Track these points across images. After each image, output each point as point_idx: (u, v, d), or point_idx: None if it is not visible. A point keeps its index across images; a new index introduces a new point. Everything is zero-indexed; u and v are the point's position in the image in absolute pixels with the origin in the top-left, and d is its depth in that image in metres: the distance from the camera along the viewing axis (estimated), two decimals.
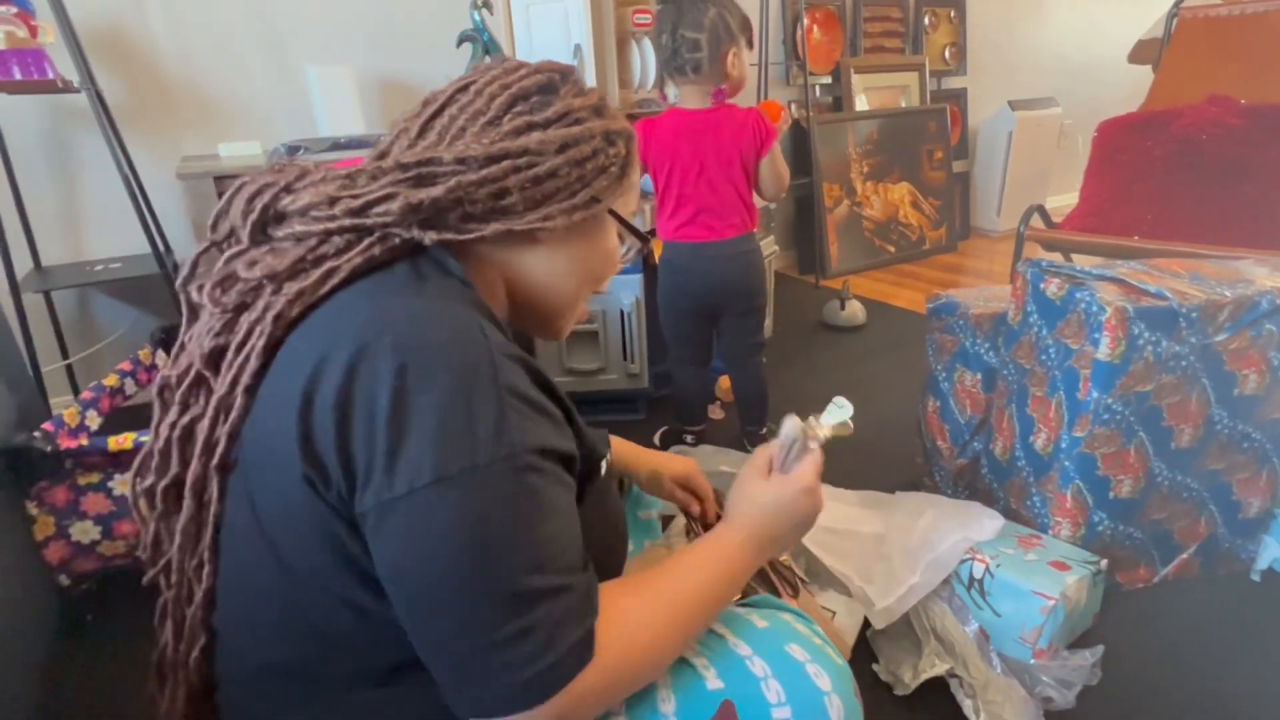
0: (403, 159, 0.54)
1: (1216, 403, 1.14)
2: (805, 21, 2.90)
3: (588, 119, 0.58)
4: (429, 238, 0.53)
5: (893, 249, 3.22)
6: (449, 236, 0.54)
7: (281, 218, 0.54)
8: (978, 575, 1.07)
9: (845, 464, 1.61)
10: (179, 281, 0.57)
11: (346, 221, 0.52)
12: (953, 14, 3.42)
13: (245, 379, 0.52)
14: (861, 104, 3.18)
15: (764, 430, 1.70)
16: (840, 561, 1.13)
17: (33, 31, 1.55)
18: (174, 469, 0.54)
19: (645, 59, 1.81)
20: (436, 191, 0.52)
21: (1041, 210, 2.16)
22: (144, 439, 1.10)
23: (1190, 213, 1.92)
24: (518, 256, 0.60)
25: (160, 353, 1.58)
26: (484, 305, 0.55)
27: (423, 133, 0.58)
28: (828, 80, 3.15)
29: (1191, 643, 1.11)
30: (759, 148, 1.43)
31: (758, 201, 1.51)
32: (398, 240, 0.53)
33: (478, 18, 2.00)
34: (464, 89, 0.58)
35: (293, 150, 1.46)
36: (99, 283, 1.79)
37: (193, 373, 0.54)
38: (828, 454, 0.66)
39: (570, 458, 0.52)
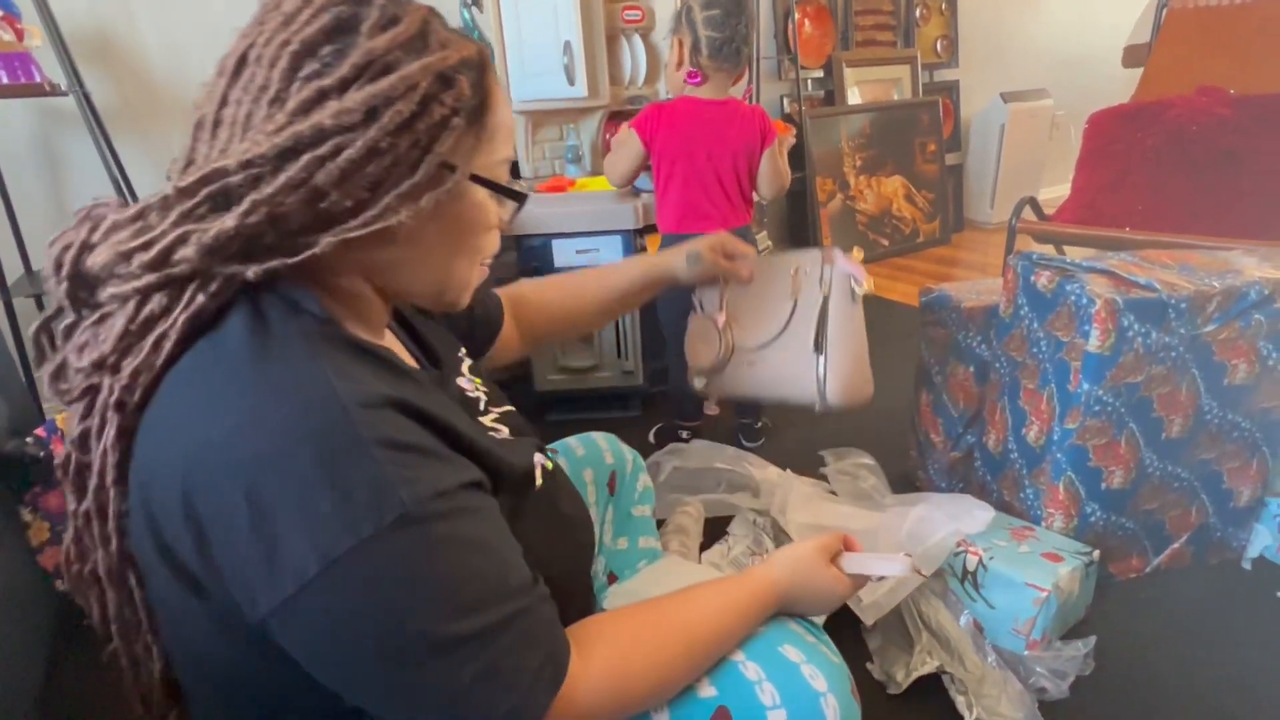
0: (182, 182, 0.43)
1: (1206, 393, 1.14)
2: (796, 15, 2.90)
3: (401, 61, 0.44)
4: (252, 272, 0.44)
5: (886, 242, 3.22)
6: (274, 264, 0.44)
7: (96, 281, 0.45)
8: (971, 568, 1.08)
9: None
10: (43, 372, 0.48)
11: (152, 278, 0.43)
12: (944, 6, 3.42)
13: (110, 473, 0.46)
14: (854, 97, 3.17)
15: (759, 424, 1.70)
16: None
17: (19, 35, 1.54)
18: (90, 557, 0.49)
19: (635, 55, 1.81)
20: (229, 223, 0.42)
21: (1033, 202, 2.17)
22: None
23: (1181, 203, 1.93)
24: (370, 258, 0.49)
25: None
26: (346, 338, 0.47)
27: (216, 127, 0.46)
28: (819, 74, 3.14)
29: (1184, 631, 1.11)
30: (762, 141, 1.45)
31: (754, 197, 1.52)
32: (221, 279, 0.44)
33: (467, 15, 1.99)
34: (244, 58, 0.45)
35: None
36: None
37: (73, 462, 0.47)
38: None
39: (475, 483, 0.47)
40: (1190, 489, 1.21)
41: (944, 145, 3.37)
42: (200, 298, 0.44)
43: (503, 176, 0.53)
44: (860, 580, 0.68)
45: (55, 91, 1.57)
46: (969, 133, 3.61)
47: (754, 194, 1.52)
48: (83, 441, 0.46)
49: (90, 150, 1.66)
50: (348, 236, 0.44)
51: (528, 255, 1.70)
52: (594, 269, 0.95)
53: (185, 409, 0.43)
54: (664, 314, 1.58)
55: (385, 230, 0.45)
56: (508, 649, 0.43)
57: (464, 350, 0.72)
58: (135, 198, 1.78)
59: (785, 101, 3.06)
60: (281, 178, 0.42)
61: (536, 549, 0.50)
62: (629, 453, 1.00)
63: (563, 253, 1.68)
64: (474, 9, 1.98)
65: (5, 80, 1.53)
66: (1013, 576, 1.04)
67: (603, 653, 0.49)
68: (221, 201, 0.43)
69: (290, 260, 0.44)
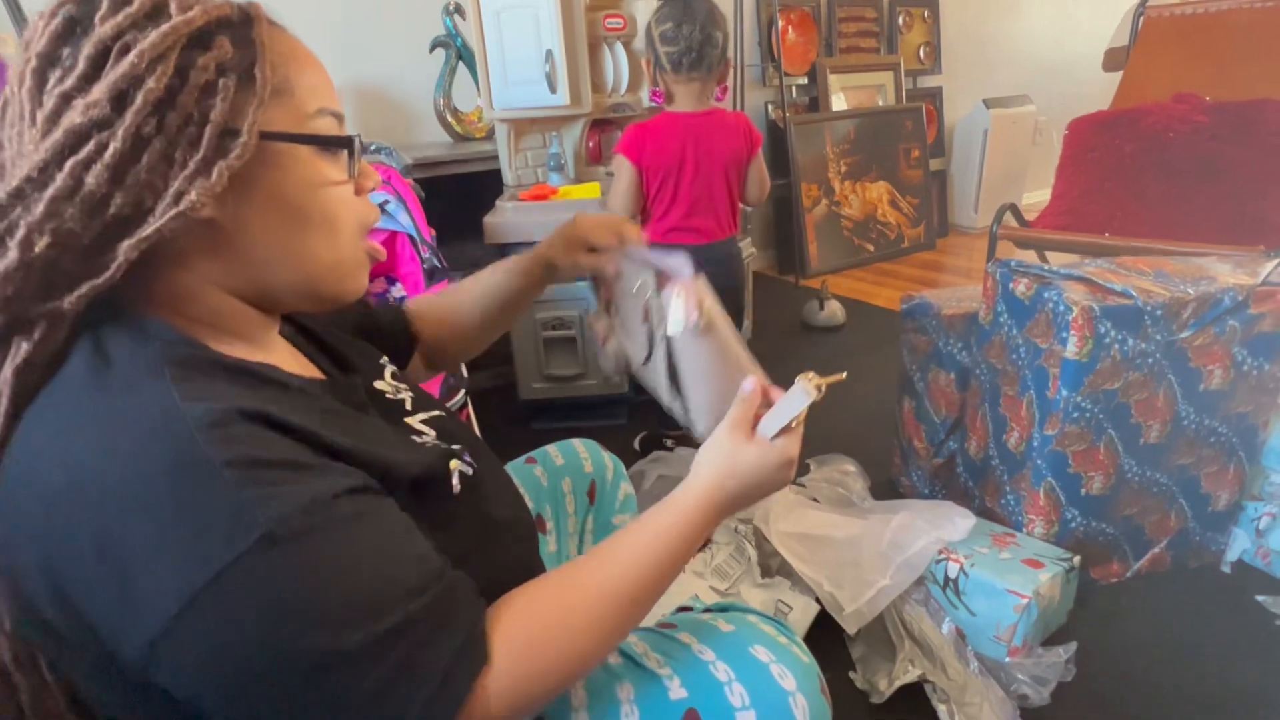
0: None
1: (1183, 398, 1.15)
2: (780, 23, 2.91)
3: (138, 39, 0.41)
4: (68, 304, 0.41)
5: (872, 248, 3.24)
6: (87, 289, 0.41)
7: None
8: (952, 575, 1.08)
9: None
10: None
11: None
12: (926, 13, 3.45)
13: None
14: (838, 104, 3.19)
15: None
16: (812, 568, 1.13)
17: None
18: None
19: (618, 63, 1.81)
20: (11, 256, 0.40)
21: (1014, 208, 2.19)
22: None
23: (1159, 209, 1.95)
24: (213, 264, 0.46)
25: None
26: (210, 358, 0.44)
27: (1, 175, 0.43)
28: (804, 81, 3.16)
29: (1164, 635, 1.12)
30: (750, 150, 1.45)
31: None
32: (43, 322, 0.41)
33: (450, 23, 1.99)
34: (7, 97, 0.43)
35: None
36: None
37: None
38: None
39: (359, 488, 0.44)
40: (1169, 494, 1.22)
41: (928, 151, 3.39)
42: (25, 346, 0.41)
43: (327, 130, 0.48)
44: (791, 439, 0.57)
45: None
46: (952, 138, 3.64)
47: (740, 203, 1.52)
48: None
49: None
50: (145, 235, 0.41)
51: None
52: (481, 274, 0.83)
53: (28, 461, 0.40)
54: None
55: (207, 227, 0.43)
56: (409, 649, 0.41)
57: (386, 358, 0.69)
58: None
59: (770, 108, 3.07)
60: (49, 192, 0.39)
61: (467, 559, 0.48)
62: (610, 460, 0.99)
63: None
64: (456, 16, 1.98)
65: None
66: (994, 583, 1.04)
67: (508, 631, 0.45)
68: (6, 239, 0.40)
69: (99, 281, 0.41)
